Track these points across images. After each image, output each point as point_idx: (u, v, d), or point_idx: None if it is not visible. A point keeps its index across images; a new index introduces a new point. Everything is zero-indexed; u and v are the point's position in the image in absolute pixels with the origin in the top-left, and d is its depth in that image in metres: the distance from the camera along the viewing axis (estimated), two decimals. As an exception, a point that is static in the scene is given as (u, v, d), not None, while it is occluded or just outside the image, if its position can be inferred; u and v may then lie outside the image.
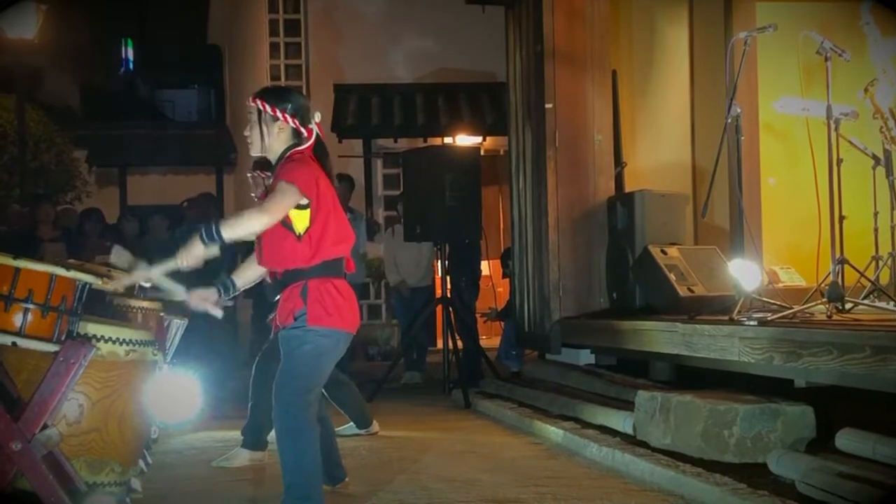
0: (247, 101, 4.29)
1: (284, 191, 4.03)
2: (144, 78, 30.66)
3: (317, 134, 4.25)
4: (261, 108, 4.19)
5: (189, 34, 25.39)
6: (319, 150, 4.25)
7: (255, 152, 4.28)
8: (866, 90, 6.92)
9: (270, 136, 4.19)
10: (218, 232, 3.96)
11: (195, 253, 4.00)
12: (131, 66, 31.10)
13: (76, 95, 25.18)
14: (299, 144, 4.20)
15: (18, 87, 13.62)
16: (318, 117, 4.28)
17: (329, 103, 14.58)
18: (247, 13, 17.36)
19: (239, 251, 5.68)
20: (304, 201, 4.07)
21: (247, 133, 4.25)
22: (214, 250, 4.05)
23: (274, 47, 15.36)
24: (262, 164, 6.31)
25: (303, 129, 4.20)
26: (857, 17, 7.12)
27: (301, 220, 4.10)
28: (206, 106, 29.11)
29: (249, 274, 4.40)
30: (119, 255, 4.31)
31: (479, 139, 14.22)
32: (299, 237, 4.09)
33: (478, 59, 14.26)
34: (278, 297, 4.28)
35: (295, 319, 4.11)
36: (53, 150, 15.57)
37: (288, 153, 4.18)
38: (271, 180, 4.25)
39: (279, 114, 4.17)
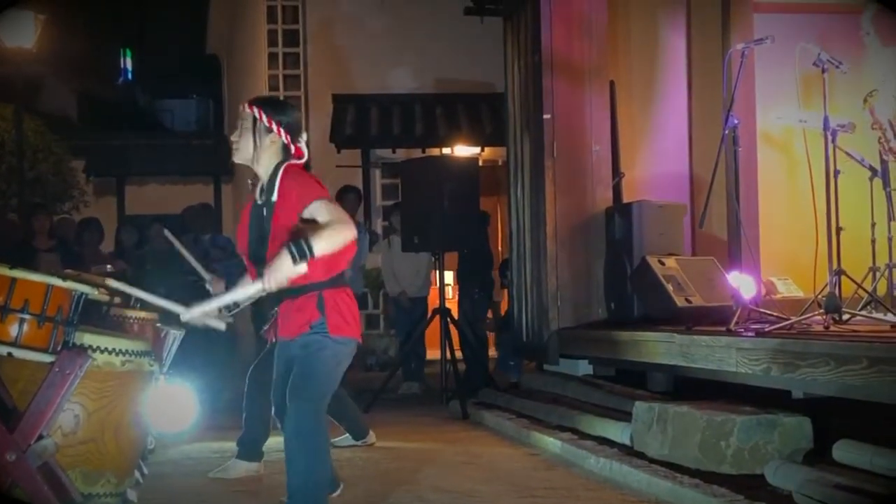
0: (241, 106, 4.19)
1: (334, 205, 3.99)
2: (143, 88, 30.69)
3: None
4: (257, 116, 4.10)
5: (188, 44, 25.41)
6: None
7: (240, 160, 4.17)
8: (865, 101, 6.93)
9: (261, 147, 4.11)
10: (309, 247, 3.77)
11: (283, 271, 3.77)
12: (130, 75, 31.13)
13: (74, 105, 25.22)
14: (286, 160, 4.12)
15: (17, 97, 13.64)
16: (304, 137, 4.22)
17: (328, 113, 14.59)
18: (246, 23, 17.38)
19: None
20: None
21: (234, 139, 4.15)
22: (301, 267, 3.81)
23: (273, 57, 15.38)
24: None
25: (292, 146, 4.13)
26: (856, 28, 7.13)
27: None
28: (205, 116, 29.12)
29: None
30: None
31: (477, 149, 14.23)
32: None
33: (476, 69, 14.28)
34: (276, 308, 4.21)
35: (311, 329, 4.06)
36: (51, 160, 15.60)
37: (284, 167, 4.09)
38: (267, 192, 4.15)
39: (274, 126, 4.10)
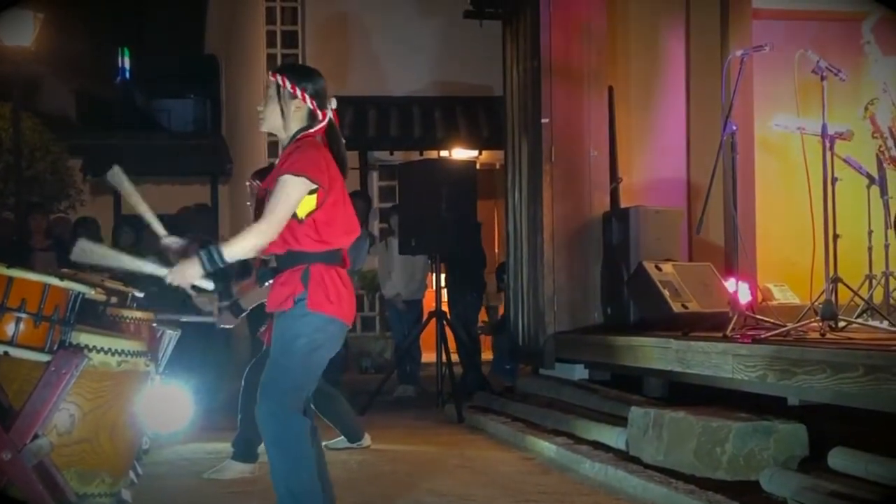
0: (267, 76, 4.10)
1: (288, 189, 3.84)
2: (141, 87, 30.65)
3: (330, 119, 4.05)
4: (280, 83, 4.00)
5: (186, 44, 25.42)
6: (332, 136, 4.06)
7: (267, 129, 4.09)
8: (866, 109, 6.93)
9: (286, 114, 4.00)
10: (220, 255, 3.79)
11: (189, 273, 3.82)
12: (128, 75, 31.09)
13: (72, 104, 25.18)
14: (312, 127, 4.01)
15: (15, 95, 13.62)
16: (333, 104, 4.09)
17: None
18: (244, 24, 17.38)
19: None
20: (313, 187, 3.87)
21: (260, 108, 4.06)
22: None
23: (271, 59, 15.36)
24: (262, 173, 6.30)
25: (319, 112, 4.02)
26: (856, 36, 7.12)
27: (306, 205, 3.90)
28: (202, 116, 29.09)
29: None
30: (83, 250, 3.96)
31: (475, 153, 14.23)
32: (300, 220, 3.90)
33: (475, 72, 14.27)
34: (268, 282, 4.07)
35: (294, 304, 3.88)
36: (48, 159, 15.57)
37: (299, 135, 4.00)
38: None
39: (298, 92, 3.98)
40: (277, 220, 3.86)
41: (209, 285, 3.93)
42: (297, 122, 4.02)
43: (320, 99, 4.03)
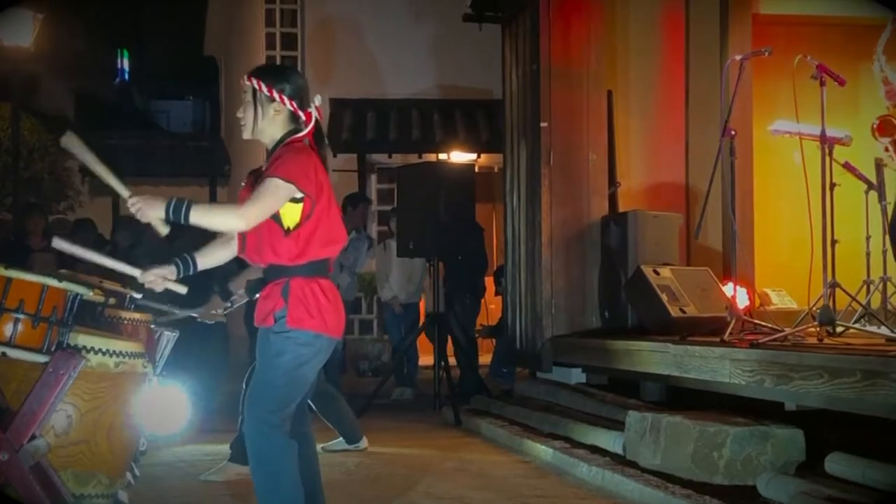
0: (241, 80, 3.94)
1: (274, 190, 3.68)
2: (140, 88, 30.68)
3: (315, 119, 3.89)
4: (256, 87, 3.83)
5: (185, 45, 25.42)
6: (317, 137, 3.89)
7: (248, 135, 3.92)
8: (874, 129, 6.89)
9: (265, 119, 3.83)
10: (187, 211, 3.64)
11: (150, 210, 3.67)
12: (126, 76, 31.13)
13: (71, 104, 25.19)
14: (298, 130, 3.84)
15: (13, 95, 13.62)
16: (317, 101, 3.94)
17: (324, 117, 14.55)
18: (244, 26, 17.39)
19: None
20: (299, 195, 3.72)
21: (240, 114, 3.90)
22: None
23: (270, 60, 15.37)
24: (258, 173, 6.28)
25: (301, 113, 3.85)
26: (856, 41, 7.12)
27: (292, 215, 3.76)
28: (201, 117, 29.13)
29: (218, 255, 4.05)
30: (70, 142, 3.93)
31: (473, 156, 14.22)
32: (287, 232, 3.76)
33: (474, 75, 14.28)
34: (257, 295, 3.99)
35: (275, 321, 3.78)
36: (47, 160, 15.59)
37: (287, 140, 3.83)
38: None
39: (276, 94, 3.81)
40: (255, 213, 3.69)
41: (181, 289, 3.86)
42: (279, 125, 3.87)
43: (301, 99, 3.87)
